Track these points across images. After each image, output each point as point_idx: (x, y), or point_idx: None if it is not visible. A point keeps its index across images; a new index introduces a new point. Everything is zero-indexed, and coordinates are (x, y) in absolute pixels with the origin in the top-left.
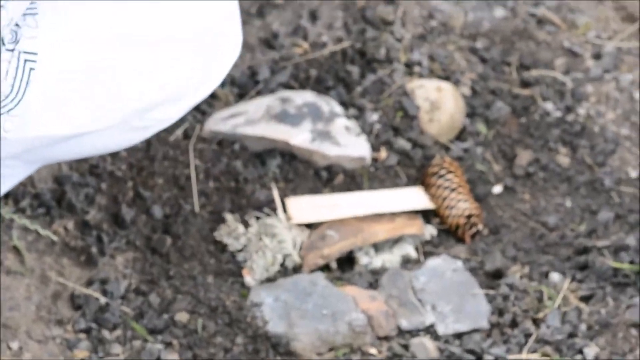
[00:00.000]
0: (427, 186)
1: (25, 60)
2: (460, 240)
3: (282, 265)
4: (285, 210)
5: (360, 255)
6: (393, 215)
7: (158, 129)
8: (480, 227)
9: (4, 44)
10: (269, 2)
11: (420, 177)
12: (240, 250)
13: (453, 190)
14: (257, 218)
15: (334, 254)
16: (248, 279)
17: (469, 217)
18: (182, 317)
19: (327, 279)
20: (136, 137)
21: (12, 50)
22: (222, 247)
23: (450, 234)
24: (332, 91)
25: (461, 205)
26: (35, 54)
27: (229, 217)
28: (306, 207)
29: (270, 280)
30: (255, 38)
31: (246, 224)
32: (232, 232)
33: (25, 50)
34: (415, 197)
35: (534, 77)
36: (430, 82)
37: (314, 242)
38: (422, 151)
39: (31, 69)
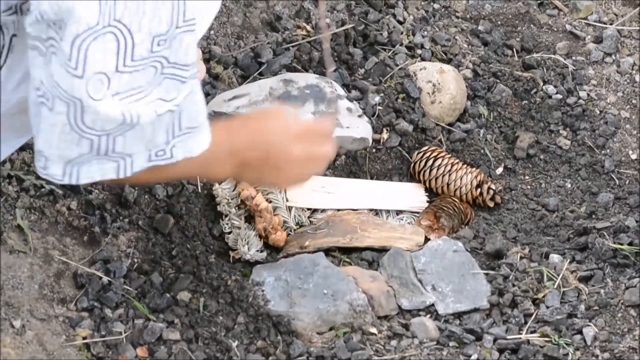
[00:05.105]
0: (425, 182)
1: (7, 27)
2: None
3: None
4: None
5: None
6: (400, 222)
7: None
8: (493, 186)
9: None
10: None
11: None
12: (227, 215)
13: (450, 173)
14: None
15: (312, 247)
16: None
17: (478, 186)
18: (184, 296)
19: (329, 258)
20: None
21: None
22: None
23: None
24: (335, 73)
25: (464, 181)
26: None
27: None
28: (304, 189)
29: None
30: (258, 20)
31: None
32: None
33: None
34: (413, 194)
35: (535, 59)
36: (432, 65)
37: (304, 229)
38: (424, 133)
39: (13, 35)
